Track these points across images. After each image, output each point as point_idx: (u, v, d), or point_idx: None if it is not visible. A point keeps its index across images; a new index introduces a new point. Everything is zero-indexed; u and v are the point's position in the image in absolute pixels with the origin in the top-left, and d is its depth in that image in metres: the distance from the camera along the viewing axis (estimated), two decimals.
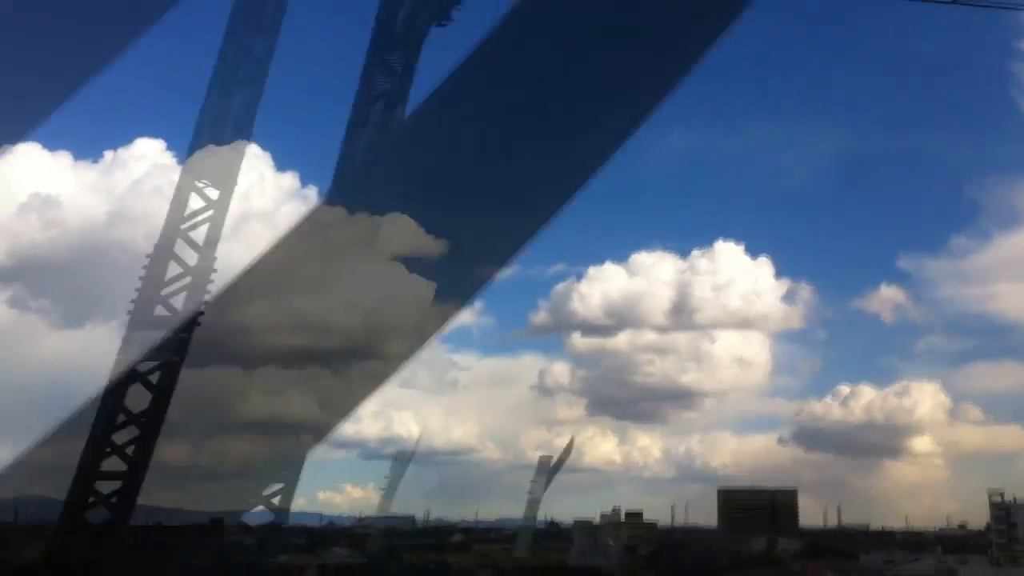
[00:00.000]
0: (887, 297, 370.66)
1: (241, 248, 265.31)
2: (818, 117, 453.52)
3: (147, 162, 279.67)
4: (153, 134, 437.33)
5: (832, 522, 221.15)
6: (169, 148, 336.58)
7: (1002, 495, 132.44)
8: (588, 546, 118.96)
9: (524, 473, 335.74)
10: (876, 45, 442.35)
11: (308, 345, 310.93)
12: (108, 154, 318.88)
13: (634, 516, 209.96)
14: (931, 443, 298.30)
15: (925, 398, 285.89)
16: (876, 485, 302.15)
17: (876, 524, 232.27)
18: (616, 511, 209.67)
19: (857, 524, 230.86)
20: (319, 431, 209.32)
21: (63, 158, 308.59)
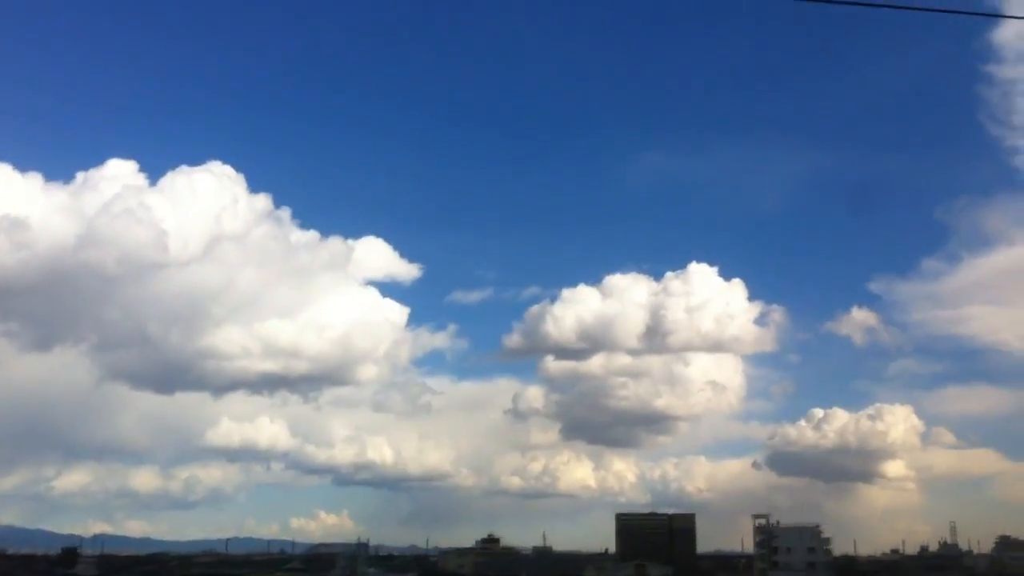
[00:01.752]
0: (859, 320, 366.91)
1: (213, 270, 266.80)
2: (790, 142, 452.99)
3: (118, 183, 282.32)
4: (125, 155, 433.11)
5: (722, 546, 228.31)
6: (142, 169, 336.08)
7: (766, 518, 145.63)
8: (344, 573, 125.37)
9: (499, 499, 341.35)
10: (847, 72, 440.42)
11: (279, 370, 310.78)
12: (80, 175, 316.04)
13: (491, 542, 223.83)
14: (904, 467, 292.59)
15: (898, 422, 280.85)
16: (850, 510, 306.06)
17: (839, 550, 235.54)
18: (492, 538, 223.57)
19: None
20: (290, 458, 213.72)
21: (34, 180, 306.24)
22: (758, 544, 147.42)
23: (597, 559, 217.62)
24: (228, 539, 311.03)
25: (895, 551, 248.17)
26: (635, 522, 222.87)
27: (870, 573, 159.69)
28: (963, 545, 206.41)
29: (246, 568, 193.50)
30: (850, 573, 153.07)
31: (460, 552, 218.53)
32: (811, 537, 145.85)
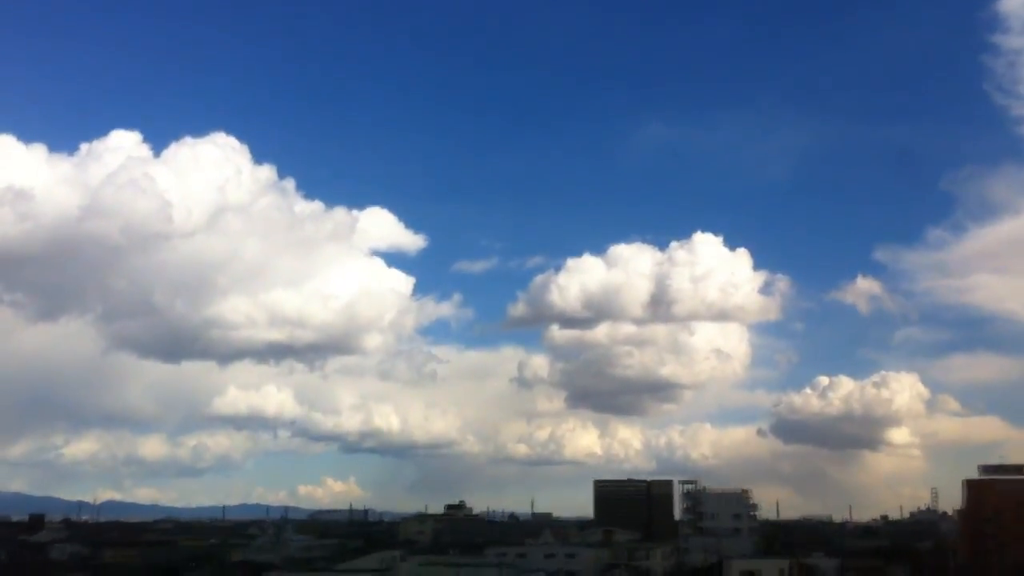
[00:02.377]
0: (863, 289, 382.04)
1: (217, 241, 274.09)
2: (795, 111, 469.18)
3: (122, 154, 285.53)
4: (129, 126, 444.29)
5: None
6: (145, 140, 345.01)
7: (694, 483, 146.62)
8: (269, 541, 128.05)
9: (505, 466, 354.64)
10: (852, 41, 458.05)
11: (284, 339, 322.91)
12: (84, 146, 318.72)
13: (455, 508, 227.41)
14: (909, 434, 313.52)
15: (903, 389, 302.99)
16: (855, 476, 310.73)
17: (839, 516, 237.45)
18: (463, 504, 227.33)
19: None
20: (297, 425, 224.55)
21: (38, 151, 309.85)
22: (684, 510, 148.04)
23: (579, 525, 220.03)
24: (224, 506, 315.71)
25: (884, 517, 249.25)
26: (612, 488, 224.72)
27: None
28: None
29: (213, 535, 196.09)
30: (774, 538, 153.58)
31: (421, 518, 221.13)
32: (736, 503, 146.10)
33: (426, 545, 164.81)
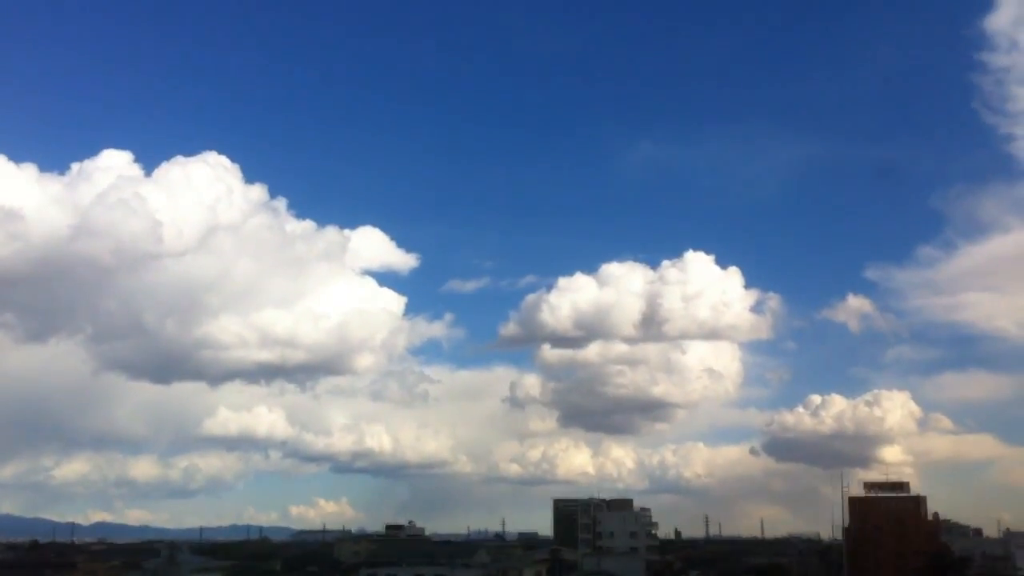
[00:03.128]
0: (855, 307, 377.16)
1: (208, 261, 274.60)
2: (786, 130, 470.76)
3: (113, 174, 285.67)
4: (120, 145, 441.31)
5: (714, 532, 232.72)
6: (137, 160, 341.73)
7: (597, 500, 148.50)
8: (165, 564, 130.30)
9: (498, 486, 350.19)
10: (842, 60, 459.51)
11: (275, 360, 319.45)
12: (75, 166, 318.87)
13: (396, 528, 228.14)
14: (902, 452, 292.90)
15: (895, 407, 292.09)
16: (847, 495, 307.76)
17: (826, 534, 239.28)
18: (396, 525, 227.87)
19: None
20: (288, 446, 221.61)
21: (28, 170, 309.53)
22: (582, 528, 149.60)
23: (540, 544, 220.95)
24: (201, 527, 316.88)
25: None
26: (571, 508, 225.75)
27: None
28: None
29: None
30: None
31: (356, 539, 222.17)
32: (634, 521, 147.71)
33: (352, 566, 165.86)
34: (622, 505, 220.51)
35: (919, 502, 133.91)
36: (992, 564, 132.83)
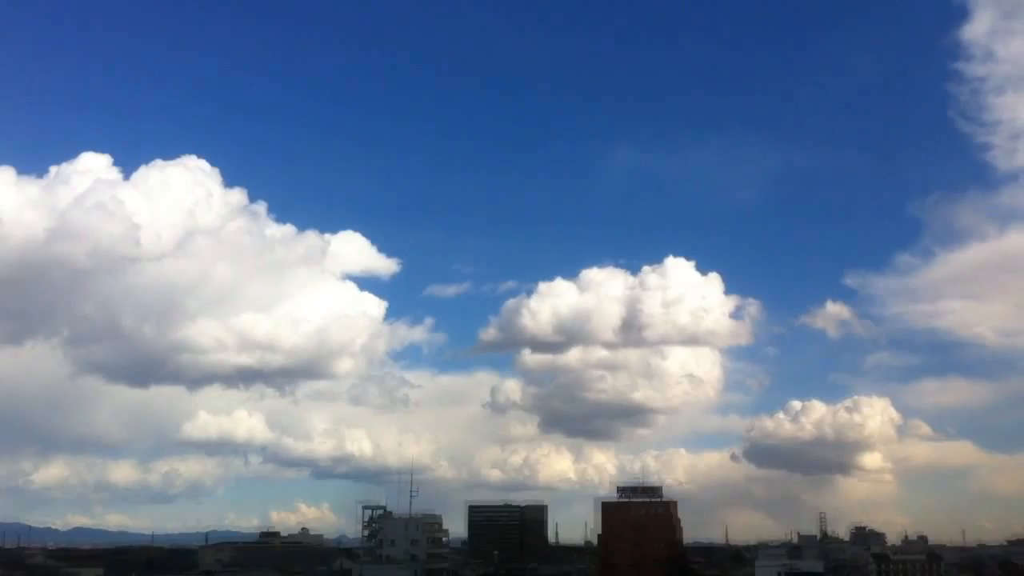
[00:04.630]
0: (833, 313, 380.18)
1: (187, 264, 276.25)
2: (765, 138, 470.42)
3: (91, 177, 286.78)
4: (99, 148, 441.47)
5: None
6: (116, 163, 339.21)
7: (379, 509, 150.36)
8: None
9: (479, 491, 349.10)
10: (820, 68, 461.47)
11: (255, 364, 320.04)
12: (53, 169, 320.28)
13: (270, 535, 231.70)
14: (881, 459, 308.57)
15: (875, 414, 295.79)
16: (828, 501, 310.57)
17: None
18: (270, 532, 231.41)
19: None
20: (268, 451, 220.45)
21: (6, 173, 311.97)
22: (366, 537, 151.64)
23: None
24: (160, 533, 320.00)
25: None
26: (487, 514, 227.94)
27: None
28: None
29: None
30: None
31: (220, 546, 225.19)
32: (415, 528, 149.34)
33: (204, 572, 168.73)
34: (536, 512, 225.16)
35: (669, 507, 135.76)
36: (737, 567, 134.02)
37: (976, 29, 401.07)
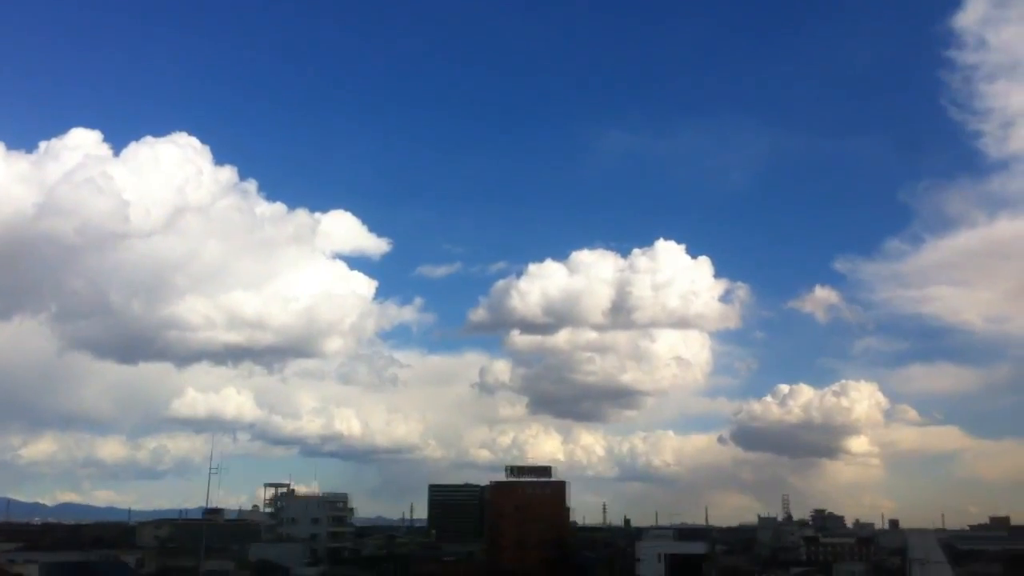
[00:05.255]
0: (822, 298, 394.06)
1: (176, 241, 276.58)
2: (757, 122, 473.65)
3: (80, 153, 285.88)
4: (90, 124, 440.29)
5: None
6: (106, 139, 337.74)
7: (285, 487, 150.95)
8: None
9: (468, 471, 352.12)
10: (811, 53, 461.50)
11: (243, 342, 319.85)
12: (42, 144, 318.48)
13: (213, 512, 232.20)
14: (868, 443, 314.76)
15: (862, 398, 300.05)
16: (815, 484, 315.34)
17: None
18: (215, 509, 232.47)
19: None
20: (257, 428, 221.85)
21: None
22: (270, 515, 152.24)
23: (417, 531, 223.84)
24: (148, 509, 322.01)
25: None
26: (447, 494, 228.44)
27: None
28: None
29: None
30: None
31: (159, 523, 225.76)
32: (317, 507, 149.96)
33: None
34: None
35: (559, 488, 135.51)
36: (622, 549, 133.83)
37: (968, 17, 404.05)
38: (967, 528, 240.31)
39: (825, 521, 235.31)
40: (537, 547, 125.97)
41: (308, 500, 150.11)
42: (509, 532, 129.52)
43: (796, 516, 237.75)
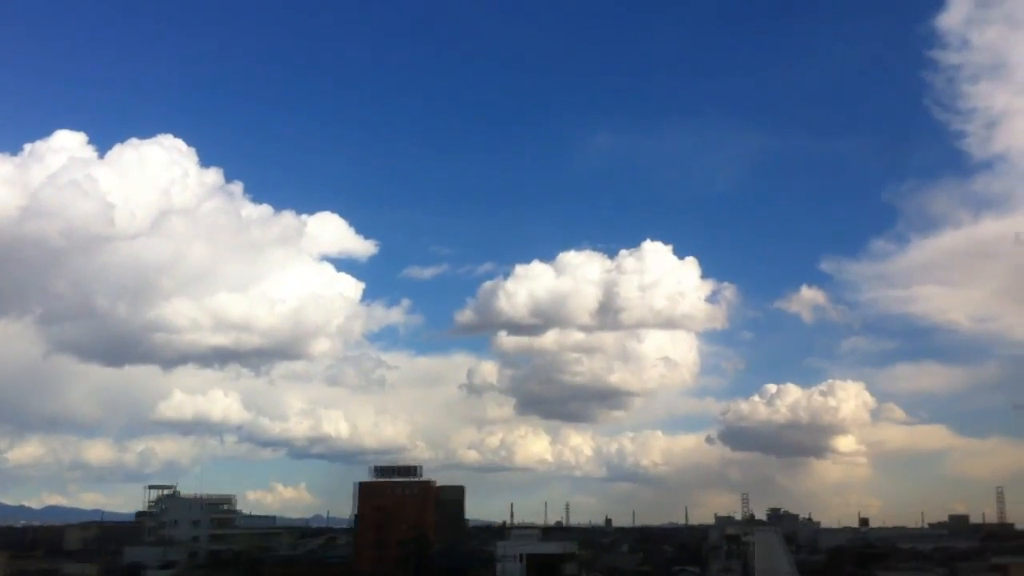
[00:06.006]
0: (808, 298, 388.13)
1: (161, 244, 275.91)
2: (742, 123, 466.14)
3: (65, 155, 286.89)
4: (75, 126, 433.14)
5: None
6: (91, 141, 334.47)
7: (169, 488, 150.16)
8: None
9: (456, 472, 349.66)
10: (796, 54, 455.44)
11: (230, 344, 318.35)
12: (27, 147, 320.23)
13: (144, 515, 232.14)
14: (855, 442, 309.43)
15: (849, 398, 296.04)
16: (803, 484, 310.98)
17: None
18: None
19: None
20: (244, 431, 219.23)
21: None
22: (150, 516, 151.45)
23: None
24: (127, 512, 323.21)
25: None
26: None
27: None
28: None
29: None
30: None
31: (85, 526, 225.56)
32: (199, 509, 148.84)
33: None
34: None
35: (426, 488, 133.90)
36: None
37: (952, 17, 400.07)
38: (926, 526, 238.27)
39: (781, 520, 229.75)
40: (396, 548, 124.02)
41: (190, 502, 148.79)
42: (367, 533, 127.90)
43: (759, 515, 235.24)
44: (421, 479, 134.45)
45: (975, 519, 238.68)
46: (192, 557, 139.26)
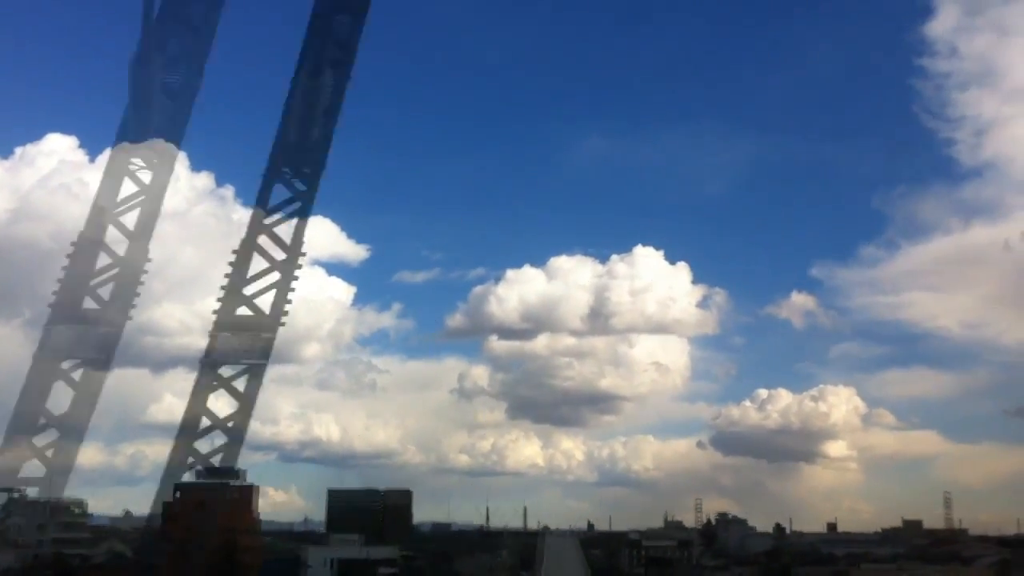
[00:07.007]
0: (799, 304, 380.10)
1: (153, 247, 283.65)
2: (733, 129, 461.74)
3: (56, 158, 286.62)
4: (66, 130, 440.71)
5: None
6: (82, 145, 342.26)
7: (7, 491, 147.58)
8: None
9: (447, 477, 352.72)
10: (786, 60, 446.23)
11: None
12: (18, 150, 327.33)
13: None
14: (846, 447, 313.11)
15: (840, 403, 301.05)
16: (793, 489, 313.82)
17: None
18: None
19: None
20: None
21: None
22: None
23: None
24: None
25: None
26: (346, 497, 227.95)
27: None
28: None
29: None
30: None
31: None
32: (44, 512, 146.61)
33: None
34: (399, 496, 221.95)
35: (245, 492, 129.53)
36: None
37: (941, 25, 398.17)
38: (880, 530, 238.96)
39: (729, 524, 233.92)
40: (202, 553, 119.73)
41: (36, 507, 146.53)
42: (175, 537, 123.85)
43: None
44: (239, 484, 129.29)
45: (967, 524, 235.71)
46: (35, 560, 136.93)
